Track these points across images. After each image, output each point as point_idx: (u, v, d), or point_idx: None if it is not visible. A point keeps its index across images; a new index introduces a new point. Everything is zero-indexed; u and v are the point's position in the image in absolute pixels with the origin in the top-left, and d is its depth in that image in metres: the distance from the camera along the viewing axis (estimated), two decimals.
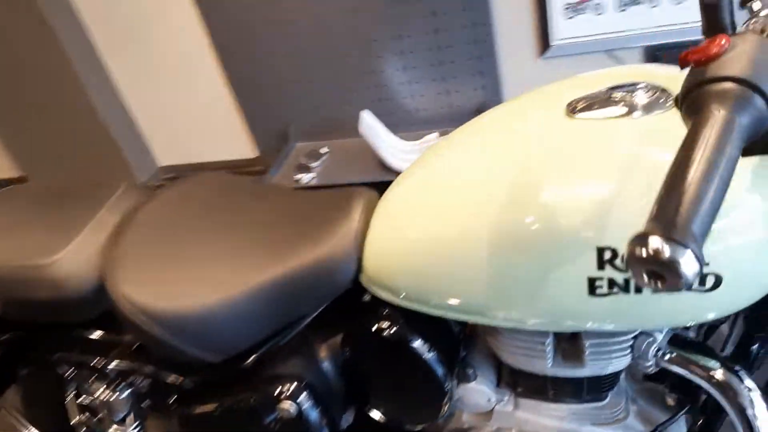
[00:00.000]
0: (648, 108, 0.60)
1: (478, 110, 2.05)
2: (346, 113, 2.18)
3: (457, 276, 0.66)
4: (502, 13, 1.88)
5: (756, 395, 0.65)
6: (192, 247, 0.80)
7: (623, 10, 1.77)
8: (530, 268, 0.62)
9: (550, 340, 0.72)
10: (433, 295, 0.70)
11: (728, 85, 0.41)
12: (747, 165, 0.56)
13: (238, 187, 0.91)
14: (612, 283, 0.58)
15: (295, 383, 0.79)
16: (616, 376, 0.77)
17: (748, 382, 0.66)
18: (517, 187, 0.62)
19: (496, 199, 0.63)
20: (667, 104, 0.60)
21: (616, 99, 0.62)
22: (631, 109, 0.61)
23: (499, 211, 0.62)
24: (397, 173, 1.95)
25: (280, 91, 2.20)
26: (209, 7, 2.07)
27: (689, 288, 0.49)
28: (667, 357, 0.69)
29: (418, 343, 0.76)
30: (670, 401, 0.83)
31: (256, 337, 0.79)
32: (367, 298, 0.80)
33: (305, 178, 2.03)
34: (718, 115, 0.40)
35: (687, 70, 0.51)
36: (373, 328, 0.77)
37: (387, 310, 0.77)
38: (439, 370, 0.77)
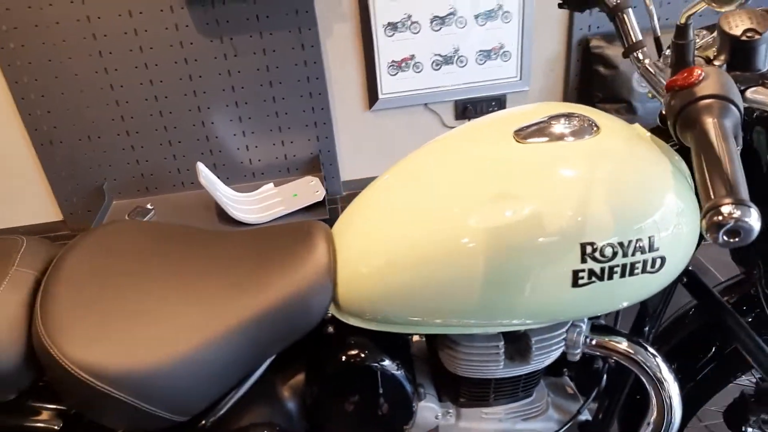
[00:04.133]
0: (581, 133, 0.73)
1: (315, 158, 2.12)
2: (172, 166, 2.08)
3: (441, 290, 0.70)
4: (335, 68, 2.00)
5: (661, 361, 0.81)
6: (138, 299, 0.71)
7: (437, 69, 2.03)
8: (518, 271, 0.68)
9: (502, 343, 0.79)
10: (415, 313, 0.72)
11: (712, 100, 0.57)
12: (671, 164, 0.71)
13: (172, 233, 0.83)
14: (591, 273, 0.68)
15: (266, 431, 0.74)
16: (541, 371, 0.88)
17: (653, 351, 0.82)
18: (491, 199, 0.68)
19: (470, 211, 0.69)
20: (594, 129, 0.73)
21: (556, 126, 0.74)
22: (569, 135, 0.73)
23: (479, 222, 0.68)
24: (239, 224, 1.92)
25: (92, 146, 2.00)
26: (6, 56, 1.81)
27: (748, 241, 0.58)
28: (592, 342, 0.82)
29: (389, 367, 0.78)
30: (570, 390, 0.97)
31: (226, 387, 0.72)
32: (329, 329, 0.79)
33: None
34: (711, 121, 0.55)
35: (588, 108, 0.66)
36: (346, 358, 0.77)
37: (356, 339, 0.77)
38: (409, 391, 0.80)
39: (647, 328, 0.87)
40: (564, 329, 0.80)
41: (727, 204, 0.48)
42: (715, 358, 0.92)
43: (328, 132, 2.08)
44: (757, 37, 0.65)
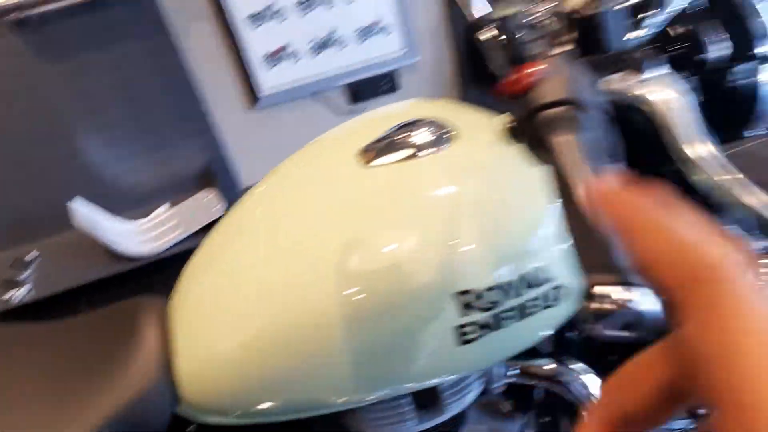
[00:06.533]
0: (434, 144, 0.61)
1: (206, 170, 1.96)
2: (51, 206, 1.89)
3: (304, 371, 0.58)
4: (206, 72, 1.83)
5: (586, 376, 0.73)
6: None
7: (317, 55, 1.88)
8: (387, 338, 0.57)
9: (407, 399, 0.68)
10: (280, 400, 0.60)
11: (557, 109, 0.42)
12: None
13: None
14: (479, 325, 0.57)
15: None
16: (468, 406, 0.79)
17: (575, 366, 0.74)
18: (342, 256, 0.57)
19: (317, 270, 0.57)
20: (449, 137, 0.61)
21: (404, 139, 0.62)
22: (420, 148, 0.61)
23: (331, 285, 0.56)
24: (135, 259, 1.76)
25: None
26: None
27: None
28: (514, 373, 0.73)
29: None
30: (505, 409, 0.87)
31: None
32: (191, 429, 0.67)
33: (16, 295, 1.69)
34: (562, 141, 0.41)
35: (449, 105, 0.52)
36: None
37: None
38: None
39: (570, 335, 0.79)
40: (476, 375, 0.71)
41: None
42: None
43: (211, 140, 1.93)
44: (598, 9, 0.50)
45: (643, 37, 0.56)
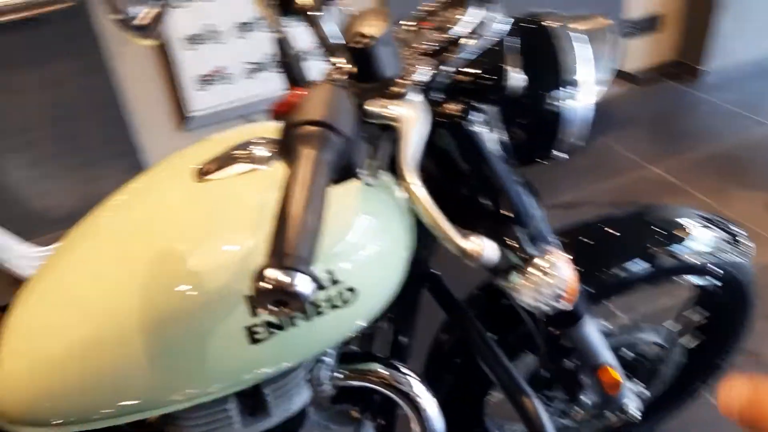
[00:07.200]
0: (270, 160, 0.64)
1: None
2: None
3: (116, 374, 0.58)
4: (131, 91, 1.79)
5: (413, 379, 0.77)
6: None
7: (251, 77, 1.88)
8: (189, 337, 0.58)
9: (232, 403, 0.68)
10: (94, 406, 0.60)
11: (309, 128, 0.46)
12: (354, 191, 0.63)
13: None
14: (269, 324, 0.59)
15: None
16: (304, 414, 0.78)
17: (405, 370, 0.77)
18: (153, 263, 0.59)
19: (132, 282, 0.58)
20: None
21: (241, 157, 0.64)
22: (256, 163, 0.63)
23: (138, 292, 0.58)
24: None
25: None
26: None
27: (303, 310, 0.55)
28: (341, 375, 0.75)
29: None
30: (355, 414, 0.88)
31: None
32: None
33: None
34: (305, 154, 0.45)
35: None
36: None
37: None
38: None
39: (404, 341, 0.83)
40: (301, 371, 0.71)
41: (272, 267, 0.40)
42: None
43: (137, 160, 1.87)
44: (367, 41, 0.54)
45: (444, 73, 0.61)
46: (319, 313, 0.61)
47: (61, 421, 0.60)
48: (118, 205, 0.67)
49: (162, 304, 0.58)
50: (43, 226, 1.83)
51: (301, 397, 0.72)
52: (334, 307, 0.62)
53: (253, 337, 0.59)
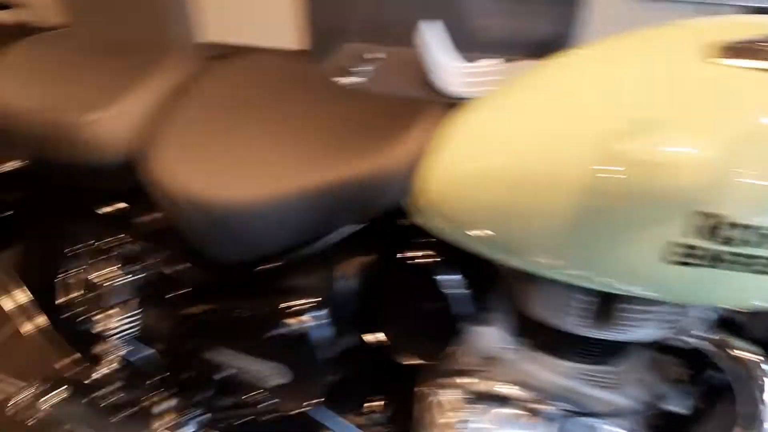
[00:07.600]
0: None
1: (545, 42, 1.83)
2: (410, 20, 1.99)
3: (526, 219, 0.57)
4: None
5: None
6: (244, 135, 0.73)
7: None
8: (609, 221, 0.53)
9: (594, 299, 0.64)
10: (489, 236, 0.61)
11: None
12: None
13: (307, 77, 0.82)
14: (701, 253, 0.50)
15: (309, 298, 0.75)
16: (640, 343, 0.70)
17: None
18: (615, 125, 0.53)
19: (588, 136, 0.54)
20: None
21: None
22: None
23: (590, 151, 0.53)
24: (446, 97, 1.80)
25: None
26: None
27: None
28: (708, 338, 0.64)
29: (450, 281, 0.72)
30: (673, 373, 0.76)
31: (285, 243, 0.73)
32: (403, 221, 0.71)
33: (348, 82, 1.89)
34: None
35: None
36: (409, 257, 0.73)
37: (426, 240, 0.71)
38: (463, 310, 0.74)
39: None
40: (670, 309, 0.62)
41: None
42: None
43: (574, 12, 1.76)
44: None
45: None
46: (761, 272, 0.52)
47: (456, 231, 0.65)
48: (605, 51, 0.63)
49: (600, 177, 0.53)
50: (468, 44, 1.95)
51: (649, 331, 0.66)
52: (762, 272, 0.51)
53: (674, 257, 0.52)
